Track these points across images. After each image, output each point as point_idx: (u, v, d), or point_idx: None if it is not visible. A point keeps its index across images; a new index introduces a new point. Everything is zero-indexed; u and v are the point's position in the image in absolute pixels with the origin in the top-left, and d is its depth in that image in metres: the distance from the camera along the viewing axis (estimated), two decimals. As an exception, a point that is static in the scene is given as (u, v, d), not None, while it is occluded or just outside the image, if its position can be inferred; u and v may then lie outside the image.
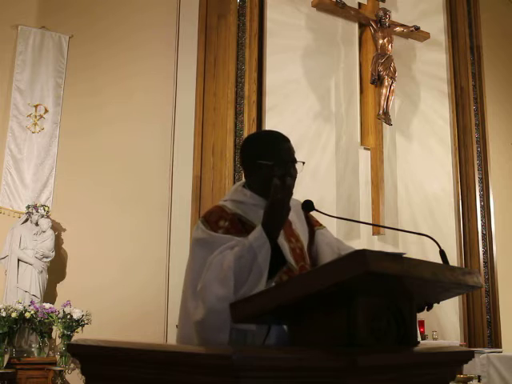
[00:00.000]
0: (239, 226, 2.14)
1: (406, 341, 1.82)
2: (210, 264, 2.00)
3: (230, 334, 1.93)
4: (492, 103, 7.93)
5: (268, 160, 2.19)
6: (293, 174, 2.23)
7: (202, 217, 2.22)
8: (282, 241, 2.20)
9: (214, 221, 2.14)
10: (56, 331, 5.46)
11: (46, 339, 5.38)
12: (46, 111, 6.12)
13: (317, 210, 2.25)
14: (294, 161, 2.24)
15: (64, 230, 6.02)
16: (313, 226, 2.43)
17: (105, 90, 6.32)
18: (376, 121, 6.73)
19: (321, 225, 2.47)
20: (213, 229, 2.11)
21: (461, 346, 5.53)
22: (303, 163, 2.28)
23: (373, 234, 6.60)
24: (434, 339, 6.49)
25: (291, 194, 2.19)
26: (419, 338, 5.31)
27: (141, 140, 6.34)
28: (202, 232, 2.13)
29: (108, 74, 6.37)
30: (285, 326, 1.94)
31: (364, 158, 6.75)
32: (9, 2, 6.17)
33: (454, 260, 7.00)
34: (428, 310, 2.07)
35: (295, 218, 2.34)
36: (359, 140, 6.80)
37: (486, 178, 7.39)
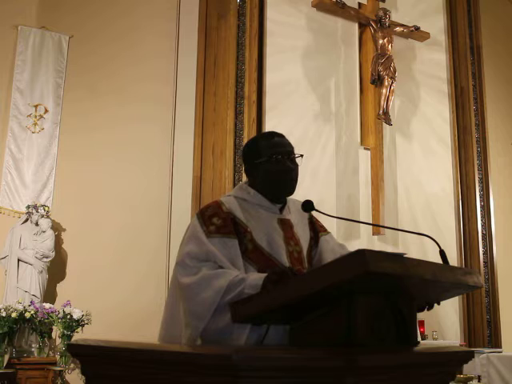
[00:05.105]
0: (231, 226, 2.15)
1: (406, 341, 1.82)
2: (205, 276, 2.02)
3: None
4: (492, 103, 7.92)
5: (262, 158, 2.24)
6: (290, 167, 2.24)
7: (199, 211, 2.24)
8: (280, 243, 2.20)
9: (209, 216, 2.16)
10: (56, 331, 5.45)
11: (45, 339, 5.38)
12: (46, 111, 6.12)
13: (317, 210, 2.25)
14: (290, 153, 2.26)
15: (64, 230, 6.02)
16: (318, 231, 2.42)
17: (105, 89, 6.32)
18: (376, 121, 6.73)
19: (325, 230, 2.46)
20: (205, 223, 2.14)
21: (461, 346, 5.53)
22: (301, 156, 2.30)
23: (373, 234, 6.60)
24: (434, 339, 6.48)
25: (293, 181, 2.25)
26: (419, 338, 5.31)
27: (141, 140, 6.34)
28: (197, 232, 2.15)
29: (108, 74, 6.36)
30: (284, 326, 1.94)
31: (364, 158, 6.75)
32: (9, 1, 6.16)
33: (454, 260, 7.00)
34: (428, 309, 2.07)
35: (298, 221, 2.34)
36: (359, 140, 6.80)
37: (486, 178, 7.39)
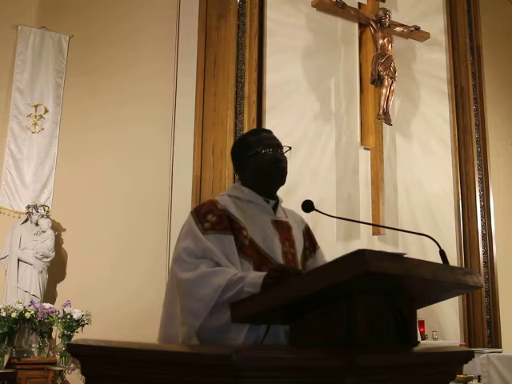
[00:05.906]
0: (226, 222, 2.15)
1: (406, 341, 1.82)
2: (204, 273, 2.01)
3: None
4: (492, 103, 7.92)
5: (252, 151, 2.28)
6: (280, 157, 2.28)
7: (194, 209, 2.25)
8: (276, 242, 2.20)
9: (203, 213, 2.17)
10: (56, 331, 5.45)
11: (45, 339, 5.38)
12: (46, 111, 6.12)
13: (317, 210, 2.26)
14: (279, 145, 2.31)
15: (64, 230, 6.02)
16: (315, 244, 2.45)
17: (105, 89, 6.32)
18: (376, 121, 6.73)
19: (318, 245, 2.48)
20: (201, 221, 2.14)
21: (461, 346, 5.53)
22: (290, 148, 2.33)
23: (373, 234, 6.60)
24: (434, 339, 6.48)
25: (284, 171, 2.28)
26: (419, 338, 5.31)
27: (141, 140, 6.34)
28: (193, 229, 2.15)
29: (108, 74, 6.36)
30: (284, 326, 1.94)
31: (364, 158, 6.75)
32: (9, 1, 6.16)
33: (454, 260, 7.00)
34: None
35: (296, 227, 2.35)
36: (359, 140, 6.80)
37: (486, 178, 7.39)
